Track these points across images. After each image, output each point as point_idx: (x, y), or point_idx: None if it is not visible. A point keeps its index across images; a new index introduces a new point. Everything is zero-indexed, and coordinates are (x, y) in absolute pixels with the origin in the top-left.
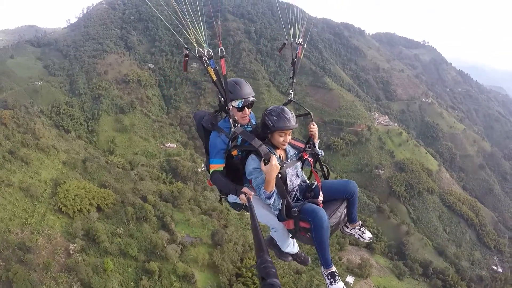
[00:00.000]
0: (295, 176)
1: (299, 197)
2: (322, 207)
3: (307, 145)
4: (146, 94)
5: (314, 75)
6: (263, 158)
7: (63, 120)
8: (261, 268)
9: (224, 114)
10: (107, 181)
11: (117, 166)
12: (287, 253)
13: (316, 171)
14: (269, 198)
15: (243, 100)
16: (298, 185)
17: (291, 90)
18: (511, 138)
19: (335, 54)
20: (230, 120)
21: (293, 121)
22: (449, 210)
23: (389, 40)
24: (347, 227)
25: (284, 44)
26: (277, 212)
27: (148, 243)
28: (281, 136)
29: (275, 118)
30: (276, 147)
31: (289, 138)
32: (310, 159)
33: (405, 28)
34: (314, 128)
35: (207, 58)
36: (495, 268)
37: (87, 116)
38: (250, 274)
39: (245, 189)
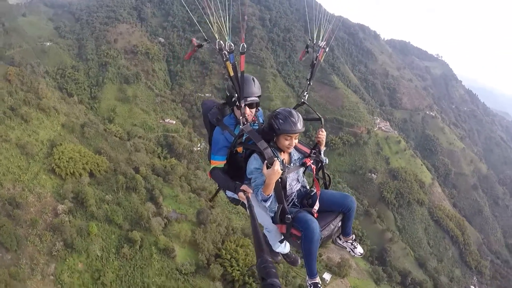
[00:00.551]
0: (295, 181)
1: (296, 203)
2: (317, 217)
3: (313, 151)
4: (153, 68)
5: (322, 71)
6: (266, 161)
7: (67, 83)
8: (261, 268)
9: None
10: (102, 148)
11: (115, 135)
12: (278, 252)
13: (318, 179)
14: (265, 201)
15: (245, 99)
16: (297, 190)
17: (305, 93)
18: (508, 164)
19: (346, 54)
20: (240, 117)
21: (299, 125)
22: (435, 224)
23: (402, 48)
24: (340, 239)
25: (307, 46)
26: (272, 214)
27: (134, 213)
28: (286, 139)
29: (281, 121)
30: (281, 150)
31: (295, 142)
32: (313, 166)
33: (421, 39)
34: (323, 135)
35: (228, 52)
36: None
37: (92, 82)
38: (228, 257)
39: (244, 187)
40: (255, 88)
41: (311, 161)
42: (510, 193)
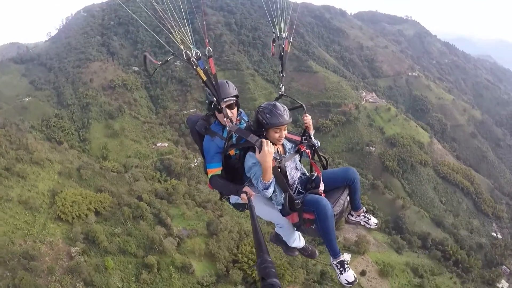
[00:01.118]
0: (294, 169)
1: (301, 190)
2: (325, 197)
3: (303, 138)
4: (133, 97)
5: (298, 60)
6: (256, 147)
7: (54, 132)
8: (261, 268)
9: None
10: (103, 185)
11: (112, 171)
12: (294, 247)
13: (315, 162)
14: (266, 188)
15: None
16: (298, 178)
17: (281, 85)
18: (501, 105)
19: (318, 37)
20: (224, 119)
21: (286, 116)
22: (443, 181)
23: (371, 18)
24: (352, 215)
25: (274, 40)
26: (280, 207)
27: (146, 239)
28: (276, 132)
29: (267, 115)
30: (273, 144)
31: (284, 133)
32: (307, 150)
33: (387, 4)
34: (308, 119)
35: (196, 59)
36: (495, 234)
37: (78, 126)
38: (246, 259)
39: (246, 188)
40: (230, 89)
41: (305, 147)
42: (510, 133)
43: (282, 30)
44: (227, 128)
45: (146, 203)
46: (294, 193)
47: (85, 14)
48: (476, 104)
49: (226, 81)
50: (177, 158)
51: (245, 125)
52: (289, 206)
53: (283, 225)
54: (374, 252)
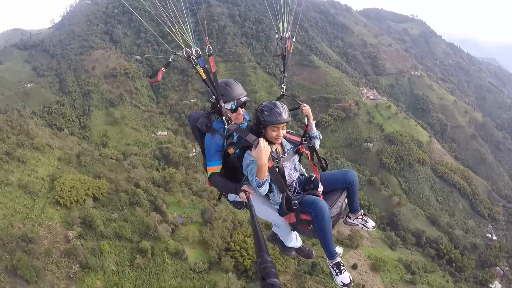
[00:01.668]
0: (293, 170)
1: (299, 191)
2: (323, 198)
3: (303, 138)
4: (135, 86)
5: (301, 54)
6: (252, 145)
7: (55, 118)
8: (261, 268)
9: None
10: (101, 172)
11: (111, 158)
12: (291, 247)
13: (314, 164)
14: (260, 186)
15: (235, 101)
16: (297, 179)
17: (282, 85)
18: (503, 109)
19: (321, 32)
20: (223, 118)
21: (284, 115)
22: (441, 180)
23: (376, 15)
24: (350, 218)
25: (278, 43)
26: (278, 207)
27: (141, 225)
28: (273, 131)
29: (266, 113)
30: (271, 143)
31: (283, 132)
32: (307, 152)
33: (393, 2)
34: (306, 108)
35: (195, 57)
36: (490, 236)
37: (79, 113)
38: (238, 248)
39: (245, 187)
40: (241, 88)
41: (304, 148)
42: (511, 137)
43: (285, 30)
44: (226, 127)
45: (143, 190)
46: (292, 194)
47: (89, 1)
48: (478, 107)
49: (235, 80)
50: (176, 147)
51: (246, 124)
52: (287, 206)
53: (280, 224)
54: (367, 247)
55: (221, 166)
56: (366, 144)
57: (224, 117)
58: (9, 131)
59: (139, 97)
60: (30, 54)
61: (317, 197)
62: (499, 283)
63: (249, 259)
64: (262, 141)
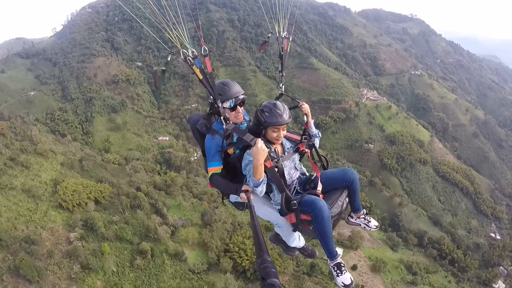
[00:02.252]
0: (293, 169)
1: (299, 190)
2: (323, 197)
3: (303, 137)
4: (136, 92)
5: (300, 57)
6: (250, 145)
7: (58, 125)
8: (261, 268)
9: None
10: (103, 176)
11: (113, 163)
12: (294, 247)
13: (315, 163)
14: (257, 186)
15: (233, 99)
16: (297, 178)
17: (281, 84)
18: (505, 106)
19: (320, 34)
20: (221, 117)
21: (285, 116)
22: (443, 180)
23: (375, 16)
24: (352, 217)
25: (265, 42)
26: (279, 207)
27: (142, 227)
28: (274, 131)
29: (267, 114)
30: (271, 142)
31: (283, 133)
32: (307, 150)
33: (392, 2)
34: (305, 106)
35: (192, 58)
36: (493, 235)
37: (81, 119)
38: (237, 249)
39: (245, 187)
40: (238, 87)
41: (304, 146)
42: None
43: (282, 30)
44: (223, 127)
45: (144, 193)
46: (292, 193)
47: (90, 10)
48: (480, 105)
49: (233, 80)
50: (178, 151)
51: (245, 124)
52: (286, 207)
53: (281, 225)
54: (368, 248)
55: (221, 166)
56: (366, 145)
57: (221, 117)
58: (13, 137)
59: (140, 103)
60: (33, 63)
61: (316, 197)
62: (503, 282)
63: (247, 260)
64: (259, 141)
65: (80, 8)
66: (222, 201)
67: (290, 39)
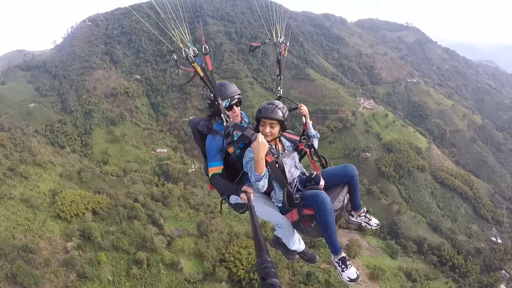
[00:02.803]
0: (294, 167)
1: (300, 188)
2: None
3: (302, 137)
4: (135, 105)
5: (296, 68)
6: (251, 139)
7: (57, 137)
8: (261, 268)
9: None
10: (101, 188)
11: (111, 174)
12: (294, 251)
13: (314, 162)
14: (258, 181)
15: (229, 99)
16: (297, 177)
17: (279, 87)
18: (503, 110)
19: (317, 45)
20: (222, 115)
21: (270, 111)
22: (441, 186)
23: (371, 25)
24: (353, 216)
25: (256, 47)
26: (280, 205)
27: (138, 237)
28: (262, 125)
29: (259, 109)
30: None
31: (271, 130)
32: (306, 149)
33: (388, 12)
34: (304, 108)
35: (193, 56)
36: (494, 239)
37: (80, 131)
38: (232, 259)
39: (245, 187)
40: (235, 87)
41: (303, 146)
42: None
43: (279, 35)
44: (224, 124)
45: (141, 204)
46: (293, 191)
47: (90, 23)
48: (477, 109)
49: (229, 81)
50: (175, 163)
51: (245, 125)
52: (288, 202)
53: (282, 224)
54: (366, 256)
55: (222, 167)
56: (364, 153)
57: (222, 115)
58: (13, 148)
59: (139, 115)
60: (33, 75)
61: (318, 190)
62: (505, 286)
63: (243, 269)
64: (260, 136)
65: (80, 21)
66: (221, 208)
67: (288, 44)
